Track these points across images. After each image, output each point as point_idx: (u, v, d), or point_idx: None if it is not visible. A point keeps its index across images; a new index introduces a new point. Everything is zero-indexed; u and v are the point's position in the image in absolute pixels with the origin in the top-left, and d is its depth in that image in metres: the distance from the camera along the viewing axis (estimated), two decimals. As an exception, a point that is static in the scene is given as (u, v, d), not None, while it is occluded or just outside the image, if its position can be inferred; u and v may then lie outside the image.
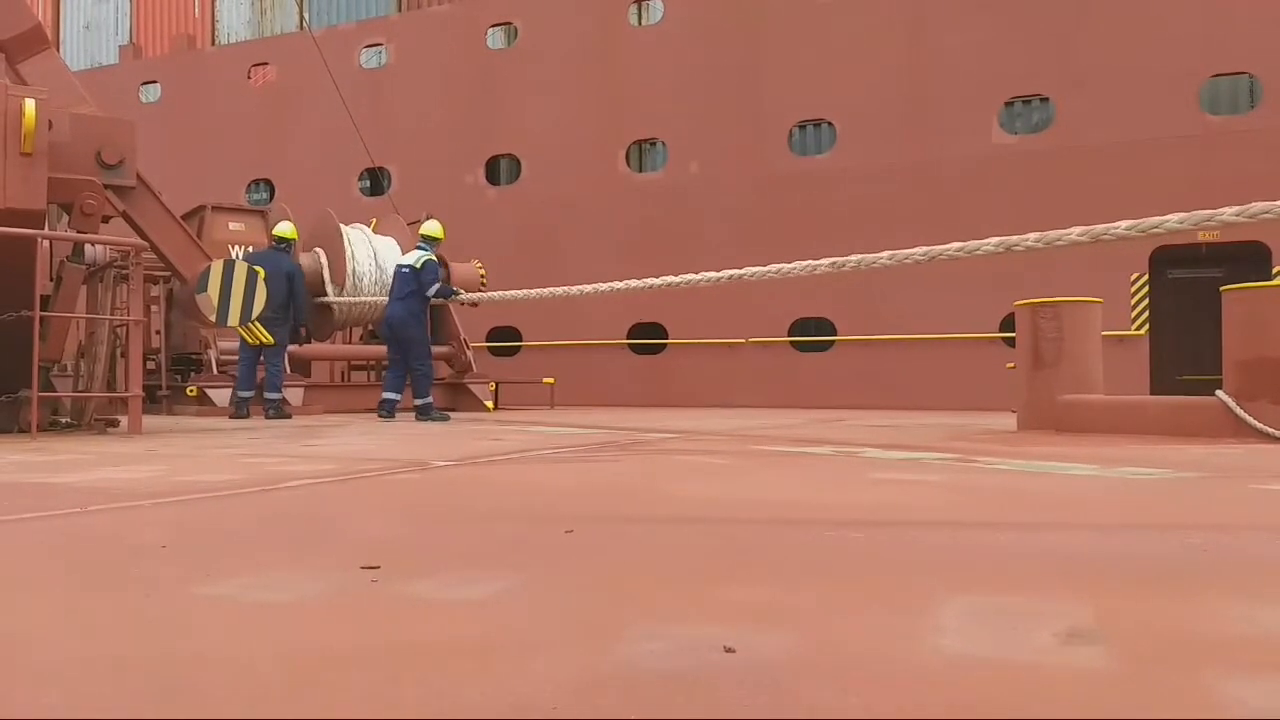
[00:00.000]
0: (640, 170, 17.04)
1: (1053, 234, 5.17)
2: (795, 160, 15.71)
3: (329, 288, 12.71)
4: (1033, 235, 5.32)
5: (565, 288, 9.17)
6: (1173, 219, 4.70)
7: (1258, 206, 4.37)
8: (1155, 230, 4.74)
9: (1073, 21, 14.00)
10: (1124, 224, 4.89)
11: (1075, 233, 5.05)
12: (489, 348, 16.85)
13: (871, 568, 2.13)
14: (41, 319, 6.99)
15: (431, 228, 10.52)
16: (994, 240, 5.47)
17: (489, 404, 13.21)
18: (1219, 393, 6.42)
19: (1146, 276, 13.41)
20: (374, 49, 18.81)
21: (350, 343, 14.11)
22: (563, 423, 9.28)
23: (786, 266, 6.59)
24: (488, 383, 13.57)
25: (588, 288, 8.61)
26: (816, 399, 14.40)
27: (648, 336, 16.35)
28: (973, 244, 5.56)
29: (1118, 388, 8.31)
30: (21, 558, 2.34)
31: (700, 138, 16.11)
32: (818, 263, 6.44)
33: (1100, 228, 4.95)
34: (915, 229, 13.93)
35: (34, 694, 1.28)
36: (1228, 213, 4.46)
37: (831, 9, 15.42)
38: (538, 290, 9.67)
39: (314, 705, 1.22)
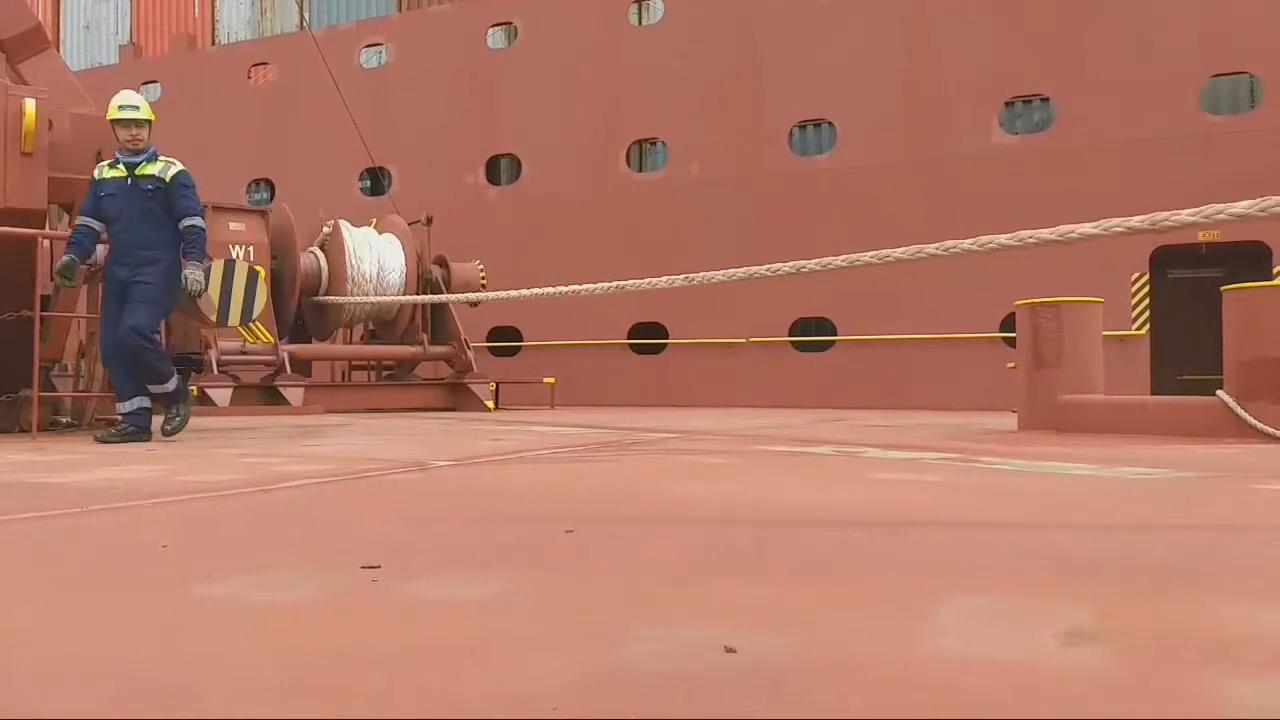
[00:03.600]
0: (640, 170, 17.03)
1: (1025, 233, 5.40)
2: (795, 160, 15.70)
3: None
4: (1003, 236, 5.54)
5: (517, 290, 8.92)
6: (1135, 220, 4.87)
7: (1214, 208, 4.47)
8: (1118, 230, 4.89)
9: (1073, 21, 13.99)
10: (1088, 225, 5.07)
11: (1045, 233, 5.24)
12: (489, 348, 16.84)
13: (871, 568, 2.13)
14: (42, 319, 7.00)
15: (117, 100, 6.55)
16: (968, 241, 5.66)
17: (489, 404, 13.22)
18: (1220, 393, 6.42)
19: (1147, 276, 13.41)
20: (374, 49, 18.79)
21: (350, 343, 14.10)
22: (563, 422, 9.27)
23: (777, 266, 6.70)
24: (488, 383, 13.58)
25: (551, 290, 8.50)
26: (816, 399, 14.38)
27: (648, 336, 16.34)
28: (949, 243, 5.74)
29: (1118, 388, 8.30)
30: (22, 558, 2.34)
31: (700, 138, 16.10)
32: (806, 263, 6.56)
33: (1067, 227, 5.17)
34: (916, 229, 13.82)
35: (34, 694, 1.28)
36: (1185, 214, 4.59)
37: (831, 9, 15.41)
38: (470, 295, 9.44)
39: (314, 705, 1.22)
